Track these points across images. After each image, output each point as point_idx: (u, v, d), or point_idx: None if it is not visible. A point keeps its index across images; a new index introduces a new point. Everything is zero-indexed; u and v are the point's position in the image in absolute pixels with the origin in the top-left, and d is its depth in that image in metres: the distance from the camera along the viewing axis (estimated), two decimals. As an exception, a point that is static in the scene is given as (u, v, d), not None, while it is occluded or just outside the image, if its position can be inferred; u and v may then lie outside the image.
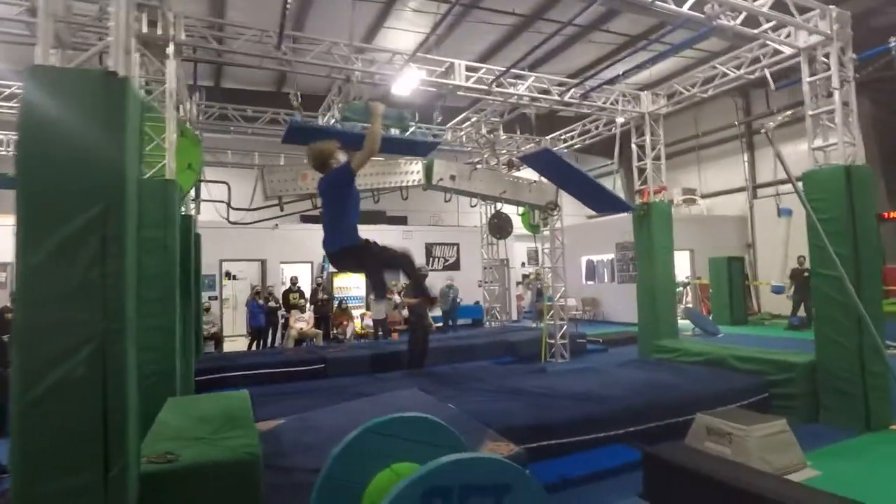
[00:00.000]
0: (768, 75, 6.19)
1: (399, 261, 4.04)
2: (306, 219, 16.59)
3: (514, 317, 17.52)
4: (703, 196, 17.70)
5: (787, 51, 5.84)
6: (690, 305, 15.79)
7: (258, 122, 8.17)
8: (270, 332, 12.15)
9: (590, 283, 17.49)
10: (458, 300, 15.46)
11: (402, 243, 16.45)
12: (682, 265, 16.75)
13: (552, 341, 9.56)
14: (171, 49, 4.91)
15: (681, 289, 17.57)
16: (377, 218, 17.38)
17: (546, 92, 6.94)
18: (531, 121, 7.64)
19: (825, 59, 5.53)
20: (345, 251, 3.77)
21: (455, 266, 17.20)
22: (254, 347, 11.73)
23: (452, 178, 7.31)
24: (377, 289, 4.30)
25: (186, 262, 6.84)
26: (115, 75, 2.37)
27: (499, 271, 17.26)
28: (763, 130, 4.96)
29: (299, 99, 6.10)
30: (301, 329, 11.77)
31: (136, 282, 2.63)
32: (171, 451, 3.10)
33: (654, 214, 7.54)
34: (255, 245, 13.54)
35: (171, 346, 4.77)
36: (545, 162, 5.56)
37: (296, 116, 6.34)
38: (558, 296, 9.72)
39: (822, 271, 5.32)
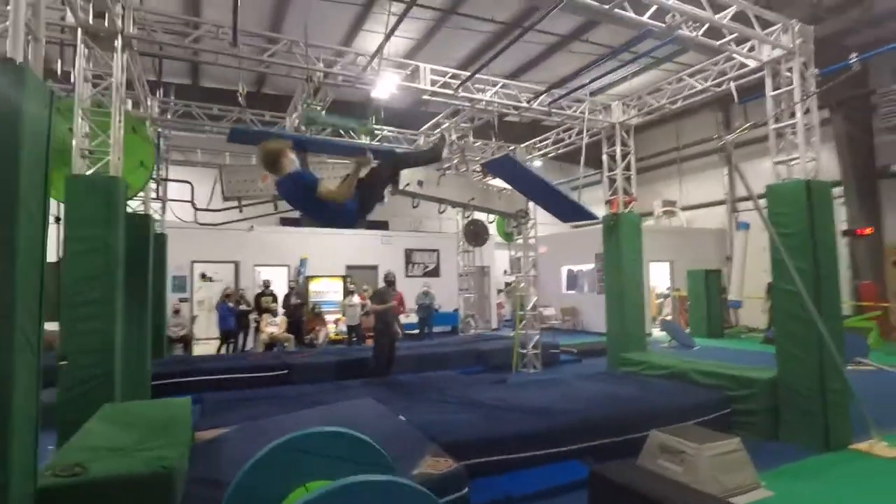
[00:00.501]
0: (733, 89, 6.17)
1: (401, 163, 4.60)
2: (286, 221, 16.45)
3: (495, 325, 17.40)
4: (684, 208, 17.78)
5: (752, 64, 5.82)
6: (670, 317, 15.81)
7: (223, 121, 7.98)
8: (242, 335, 11.91)
9: (570, 292, 17.43)
10: (437, 307, 15.35)
11: (380, 249, 16.39)
12: (662, 277, 16.82)
13: (524, 351, 9.43)
14: (118, 42, 4.74)
15: (661, 300, 17.68)
16: (358, 222, 17.25)
17: (515, 99, 6.86)
18: (494, 127, 7.54)
19: (789, 73, 5.51)
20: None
21: (435, 273, 17.04)
22: (223, 351, 11.48)
23: (420, 183, 7.14)
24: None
25: (142, 262, 6.66)
26: (10, 62, 2.22)
27: (478, 279, 17.19)
28: (722, 143, 4.91)
29: (243, 91, 5.90)
30: (272, 333, 11.53)
31: (65, 280, 2.45)
32: (81, 463, 2.92)
33: (624, 225, 7.47)
34: (228, 247, 13.28)
35: (109, 349, 4.56)
36: (506, 169, 5.45)
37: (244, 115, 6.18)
38: (530, 305, 9.61)
39: (782, 286, 5.26)
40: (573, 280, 17.28)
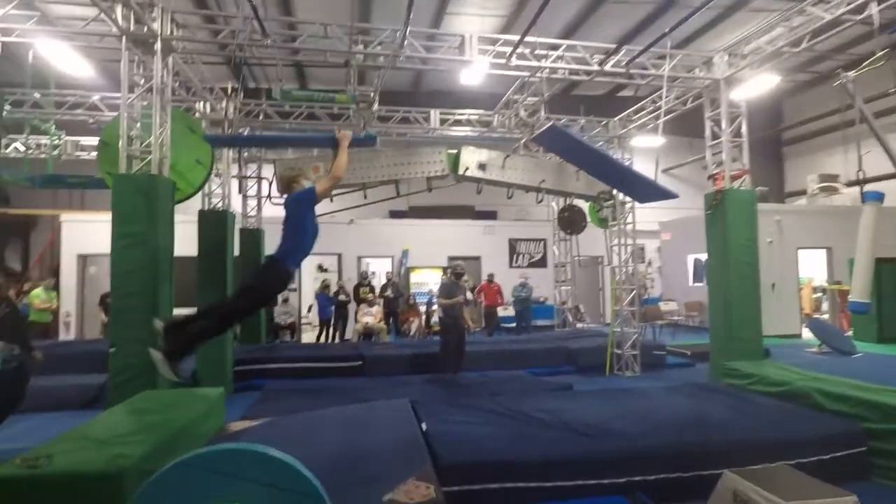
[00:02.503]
0: (876, 14, 4.48)
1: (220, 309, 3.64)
2: (395, 214, 16.82)
3: (608, 319, 15.97)
4: (849, 184, 14.45)
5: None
6: (826, 316, 13.02)
7: (292, 118, 8.14)
8: (340, 324, 12.36)
9: (697, 284, 15.26)
10: (542, 299, 14.50)
11: (482, 239, 15.92)
12: (818, 267, 13.91)
13: (619, 351, 8.32)
14: (157, 46, 4.91)
15: (819, 294, 14.69)
16: (465, 213, 16.97)
17: (583, 63, 5.86)
18: (544, 97, 6.54)
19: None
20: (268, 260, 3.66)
21: (541, 263, 16.09)
22: (321, 339, 12.02)
23: (482, 167, 6.56)
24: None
25: (218, 255, 7.02)
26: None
27: (590, 270, 15.87)
28: (841, 80, 3.55)
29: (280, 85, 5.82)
30: (367, 323, 11.77)
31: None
32: (50, 455, 2.95)
33: (731, 205, 6.05)
34: (330, 239, 13.84)
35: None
36: (558, 143, 4.60)
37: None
38: (628, 299, 8.45)
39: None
40: (701, 271, 15.09)
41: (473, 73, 6.50)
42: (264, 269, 3.76)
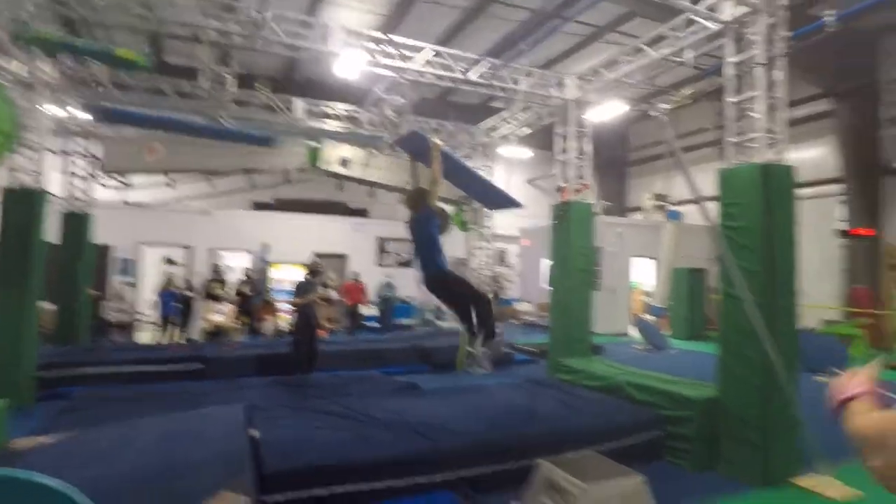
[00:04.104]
0: (691, 56, 5.27)
1: (470, 297, 4.19)
2: (258, 206, 15.76)
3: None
4: (677, 203, 16.78)
5: (713, 27, 4.92)
6: (652, 317, 14.93)
7: (133, 91, 7.17)
8: (186, 322, 11.24)
9: (550, 287, 16.57)
10: (408, 299, 14.61)
11: (351, 236, 15.65)
12: (647, 274, 15.90)
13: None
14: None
15: (647, 299, 16.78)
16: (334, 209, 16.47)
17: (450, 70, 6.02)
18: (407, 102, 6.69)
19: (754, 36, 4.61)
20: (438, 273, 4.07)
21: (410, 263, 16.22)
22: (163, 338, 10.85)
23: (344, 162, 6.41)
24: (465, 322, 4.28)
25: (21, 241, 5.96)
26: None
27: (455, 271, 16.41)
28: (654, 113, 4.08)
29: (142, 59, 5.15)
30: (217, 322, 10.86)
31: None
32: None
33: (574, 215, 6.63)
34: (181, 229, 12.59)
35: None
36: (418, 147, 4.62)
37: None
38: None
39: (729, 290, 4.42)
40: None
41: (346, 66, 6.31)
42: (450, 275, 4.23)
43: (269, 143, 5.74)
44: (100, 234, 9.35)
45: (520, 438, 4.06)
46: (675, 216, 9.23)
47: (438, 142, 4.17)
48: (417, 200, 4.21)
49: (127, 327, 11.14)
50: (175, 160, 5.80)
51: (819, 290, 11.68)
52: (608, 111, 7.94)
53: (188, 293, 11.17)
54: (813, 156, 13.02)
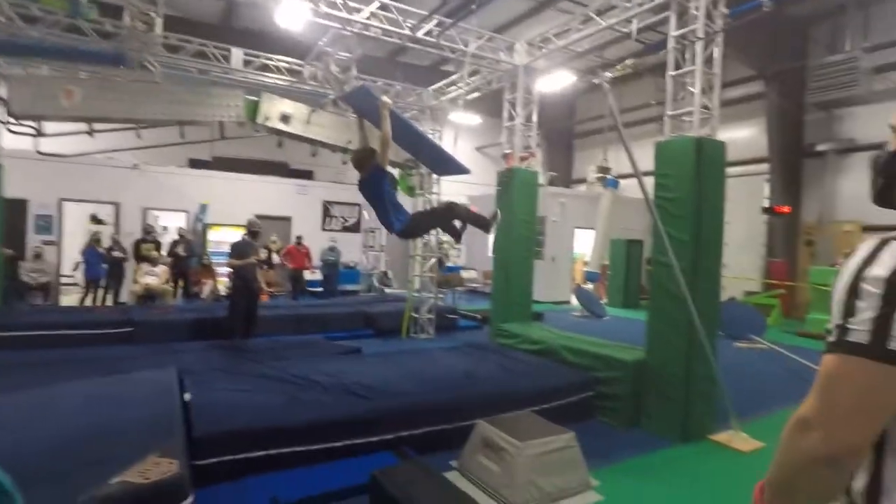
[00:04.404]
0: (635, 28, 5.34)
1: (452, 212, 4.34)
2: (195, 163, 14.88)
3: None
4: (619, 177, 17.29)
5: (659, -1, 4.99)
6: (590, 286, 15.54)
7: (42, 24, 6.40)
8: (114, 285, 10.62)
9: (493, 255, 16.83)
10: (352, 264, 14.42)
11: (295, 199, 15.16)
12: (590, 245, 16.44)
13: (417, 315, 8.71)
14: None
15: (587, 268, 17.41)
16: (278, 169, 15.82)
17: (397, 25, 5.79)
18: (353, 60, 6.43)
19: (697, 11, 4.71)
20: (405, 231, 4.13)
21: (356, 228, 15.95)
22: (89, 301, 10.22)
23: (285, 118, 6.10)
24: (455, 236, 4.57)
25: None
26: None
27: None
28: (597, 80, 4.13)
29: None
30: (148, 284, 10.31)
31: None
32: None
33: (518, 183, 6.69)
34: (107, 185, 11.73)
35: None
36: (366, 105, 4.43)
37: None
38: (427, 266, 8.84)
39: (659, 258, 4.63)
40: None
41: (288, 15, 5.90)
42: (422, 219, 4.46)
43: (123, 62, 5.24)
44: (14, 187, 8.56)
45: (459, 400, 4.14)
46: (613, 184, 9.63)
47: (387, 100, 4.02)
48: (365, 160, 4.08)
49: (48, 289, 10.38)
50: (94, 106, 5.25)
51: (743, 263, 12.52)
52: (557, 81, 7.99)
53: (117, 254, 10.51)
54: (744, 135, 13.71)
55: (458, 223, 4.41)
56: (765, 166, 13.11)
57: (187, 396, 3.85)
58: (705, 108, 4.71)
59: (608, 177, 9.72)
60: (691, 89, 4.73)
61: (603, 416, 4.89)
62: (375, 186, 4.05)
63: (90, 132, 6.54)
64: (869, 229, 11.72)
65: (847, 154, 12.07)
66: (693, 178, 4.47)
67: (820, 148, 12.35)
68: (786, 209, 12.32)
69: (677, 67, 4.88)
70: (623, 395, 4.76)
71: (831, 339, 0.86)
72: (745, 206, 12.67)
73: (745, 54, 12.30)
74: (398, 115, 4.42)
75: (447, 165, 5.17)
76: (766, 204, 12.94)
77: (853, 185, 11.94)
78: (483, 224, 4.50)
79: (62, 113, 5.25)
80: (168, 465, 2.72)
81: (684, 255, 4.43)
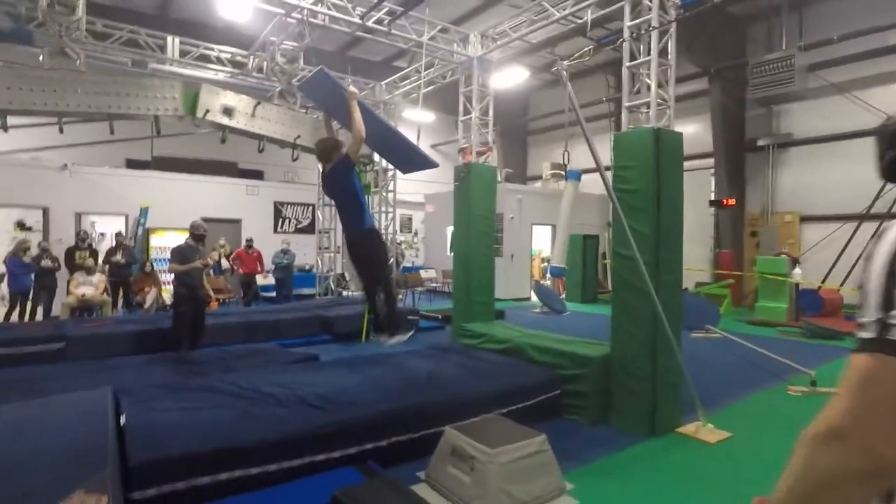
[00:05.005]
0: (589, 20, 5.30)
1: (383, 285, 4.23)
2: (133, 164, 13.98)
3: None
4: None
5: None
6: (548, 282, 15.67)
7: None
8: (44, 297, 9.77)
9: (452, 254, 16.71)
10: (307, 267, 13.93)
11: (245, 200, 14.51)
12: (547, 241, 16.59)
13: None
14: None
15: (545, 265, 17.57)
16: (226, 169, 15.09)
17: (346, 13, 5.51)
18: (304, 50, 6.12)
19: (650, 1, 4.69)
20: (363, 234, 3.96)
21: (310, 229, 15.44)
22: (15, 317, 9.36)
23: (227, 111, 5.70)
24: (368, 299, 4.39)
25: None
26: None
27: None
28: (555, 69, 4.03)
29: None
30: (84, 295, 9.55)
31: None
32: None
33: (475, 178, 6.55)
34: (33, 188, 10.82)
35: None
36: (325, 93, 4.12)
37: None
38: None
39: (621, 251, 4.58)
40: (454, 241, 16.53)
41: (230, 4, 5.49)
42: (376, 243, 4.13)
43: (27, 40, 4.72)
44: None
45: (423, 407, 3.94)
46: (575, 176, 9.70)
47: (354, 90, 3.77)
48: (331, 151, 3.88)
49: (-36, 304, 9.45)
50: (6, 97, 4.66)
51: (693, 255, 12.90)
52: (511, 77, 7.93)
53: (46, 263, 9.68)
54: (691, 131, 14.12)
55: (381, 295, 4.25)
56: (710, 161, 13.56)
57: (123, 419, 3.47)
58: (662, 99, 4.70)
59: (571, 169, 9.72)
60: (647, 80, 4.71)
61: (571, 415, 4.80)
62: (343, 178, 3.83)
63: (3, 127, 5.90)
64: (806, 219, 12.34)
65: (786, 148, 12.64)
66: (652, 170, 4.44)
67: (761, 143, 12.88)
68: (731, 201, 12.77)
69: (632, 59, 4.85)
70: (590, 391, 4.69)
71: (867, 335, 0.71)
72: (694, 199, 13.03)
73: (690, 52, 12.67)
74: (367, 107, 4.16)
75: (415, 159, 4.90)
76: (713, 197, 13.39)
77: (791, 178, 12.52)
78: (395, 321, 4.36)
79: (28, 107, 4.64)
80: (96, 500, 2.38)
81: (646, 248, 4.39)
